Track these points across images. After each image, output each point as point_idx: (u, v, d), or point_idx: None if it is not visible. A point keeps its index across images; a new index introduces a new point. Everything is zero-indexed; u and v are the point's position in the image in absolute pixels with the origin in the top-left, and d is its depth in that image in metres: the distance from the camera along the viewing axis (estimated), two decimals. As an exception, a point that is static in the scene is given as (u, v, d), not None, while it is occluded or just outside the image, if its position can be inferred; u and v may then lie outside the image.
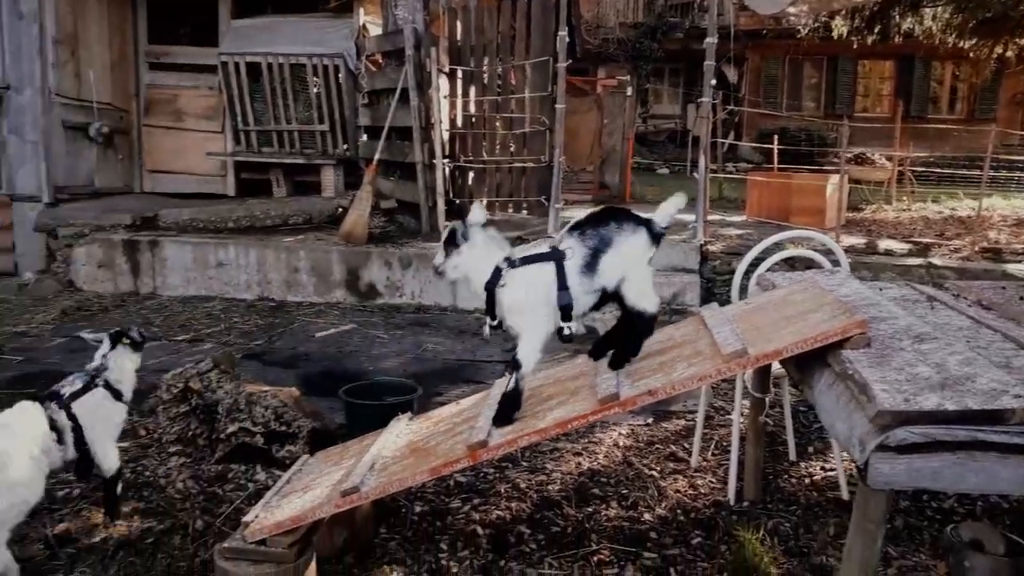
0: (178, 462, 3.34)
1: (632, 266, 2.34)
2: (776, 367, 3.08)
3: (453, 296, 6.42)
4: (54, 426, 2.62)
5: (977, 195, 10.34)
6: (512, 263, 2.32)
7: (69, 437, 2.66)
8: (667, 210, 2.43)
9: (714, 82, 6.54)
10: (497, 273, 2.31)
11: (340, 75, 8.13)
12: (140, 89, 8.80)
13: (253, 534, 2.30)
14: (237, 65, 8.11)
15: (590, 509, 3.04)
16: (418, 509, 3.01)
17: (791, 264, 5.34)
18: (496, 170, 7.75)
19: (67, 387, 2.73)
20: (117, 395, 2.82)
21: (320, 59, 8.05)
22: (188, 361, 3.94)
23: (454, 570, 2.60)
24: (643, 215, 2.41)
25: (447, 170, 7.47)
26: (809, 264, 5.15)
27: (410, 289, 6.49)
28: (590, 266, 2.30)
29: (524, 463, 3.46)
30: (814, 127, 16.73)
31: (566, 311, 2.31)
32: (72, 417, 2.66)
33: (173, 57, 8.87)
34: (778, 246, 3.64)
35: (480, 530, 2.86)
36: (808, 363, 2.22)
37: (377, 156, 7.29)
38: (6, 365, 4.78)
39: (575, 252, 2.30)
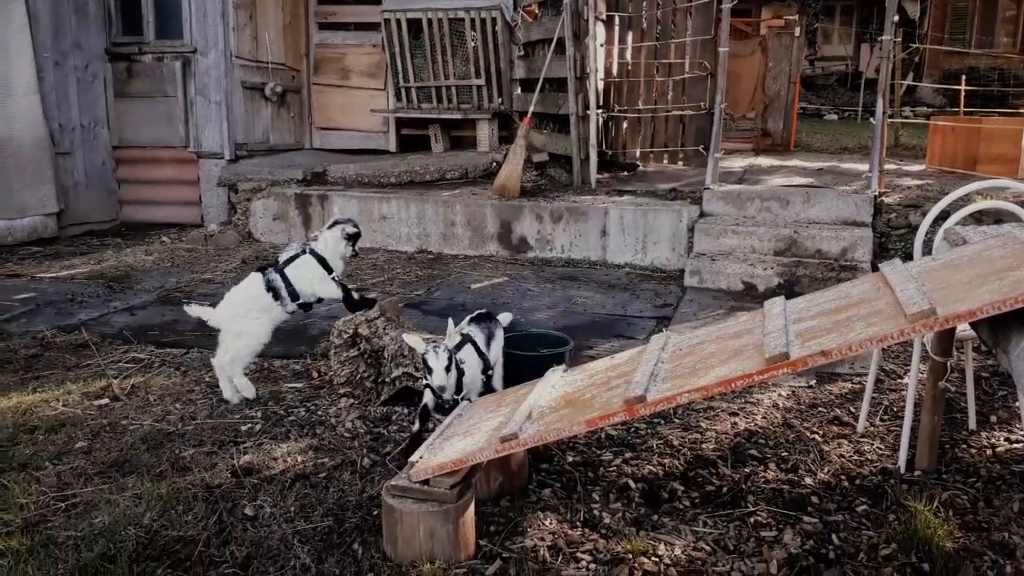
0: (347, 403, 3.56)
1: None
2: (960, 329, 2.85)
3: (603, 251, 6.38)
4: (271, 287, 3.52)
5: None
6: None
7: (285, 293, 3.55)
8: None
9: (896, 18, 6.02)
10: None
11: (497, 27, 8.15)
12: (310, 49, 9.21)
13: (418, 474, 2.42)
14: (399, 22, 8.32)
15: (747, 470, 2.97)
16: (570, 459, 3.06)
17: (978, 219, 4.90)
18: (652, 119, 7.55)
19: (283, 255, 3.62)
20: (322, 261, 3.58)
21: (478, 12, 8.10)
22: (355, 309, 4.17)
23: (606, 521, 2.63)
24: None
25: (601, 121, 7.36)
26: (999, 218, 4.71)
27: (560, 243, 6.50)
28: None
29: (677, 420, 3.42)
30: (1008, 66, 15.06)
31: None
32: (285, 278, 3.53)
33: (340, 16, 9.20)
34: (968, 197, 3.32)
35: (632, 484, 2.86)
36: (1005, 326, 2.03)
37: (531, 109, 7.29)
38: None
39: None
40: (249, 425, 3.37)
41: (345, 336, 3.62)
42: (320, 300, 3.68)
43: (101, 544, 2.47)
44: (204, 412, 3.50)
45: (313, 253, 3.60)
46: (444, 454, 2.49)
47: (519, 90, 8.37)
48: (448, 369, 2.90)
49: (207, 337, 3.63)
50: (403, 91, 8.67)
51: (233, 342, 3.54)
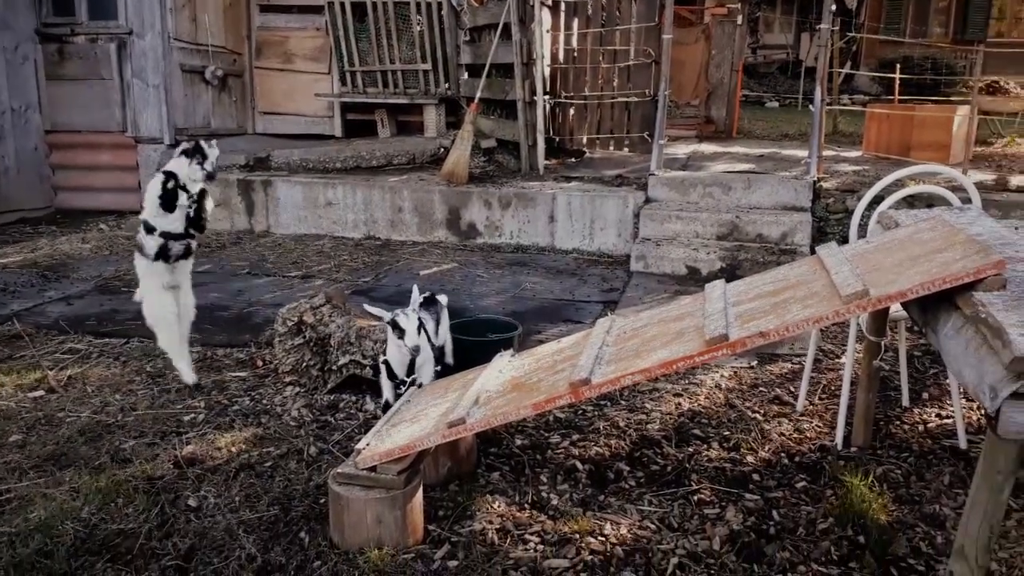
0: (293, 391, 3.52)
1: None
2: (893, 310, 2.94)
3: (551, 236, 6.41)
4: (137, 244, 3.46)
5: None
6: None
7: (141, 236, 3.41)
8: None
9: (834, 7, 6.15)
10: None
11: (443, 12, 8.08)
12: (252, 32, 8.99)
13: (364, 461, 2.41)
14: (343, 5, 8.18)
15: (690, 449, 3.03)
16: (518, 442, 3.08)
17: (910, 203, 5.05)
18: (598, 106, 7.59)
19: None
20: (172, 177, 3.37)
21: (422, -4, 8.01)
22: (301, 296, 4.11)
23: (554, 502, 2.66)
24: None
25: (548, 107, 7.38)
26: (931, 202, 4.87)
27: (509, 229, 6.51)
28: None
29: (623, 402, 3.47)
30: (941, 55, 15.52)
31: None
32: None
33: (283, -1, 9.02)
34: (901, 182, 3.43)
35: (579, 465, 2.90)
36: (934, 306, 2.10)
37: (478, 94, 7.26)
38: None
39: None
40: (192, 415, 3.31)
41: (290, 324, 3.58)
42: (192, 230, 3.46)
43: (37, 539, 2.40)
44: (145, 403, 3.42)
45: (161, 171, 3.38)
46: (391, 440, 2.48)
47: (466, 75, 8.31)
48: (419, 330, 2.90)
49: (147, 326, 3.55)
50: (348, 75, 8.54)
51: None
